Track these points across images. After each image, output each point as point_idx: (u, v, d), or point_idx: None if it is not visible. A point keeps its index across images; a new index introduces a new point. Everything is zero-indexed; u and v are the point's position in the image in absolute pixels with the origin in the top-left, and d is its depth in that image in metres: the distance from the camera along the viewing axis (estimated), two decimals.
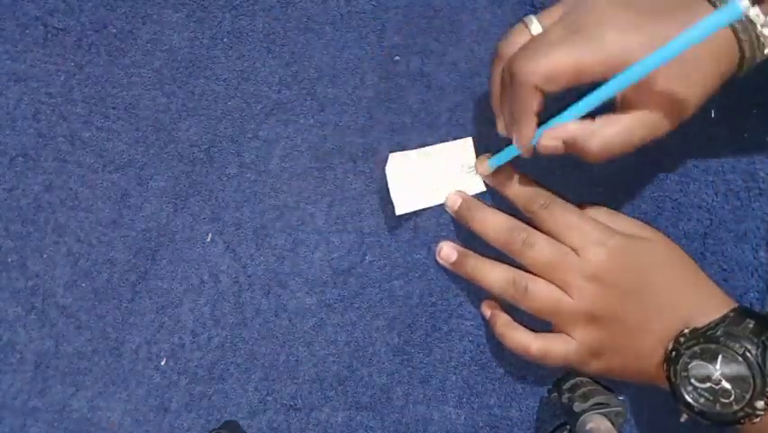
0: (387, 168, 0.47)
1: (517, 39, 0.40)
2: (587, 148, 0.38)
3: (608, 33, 0.36)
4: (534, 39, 0.39)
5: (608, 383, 0.45)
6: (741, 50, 0.37)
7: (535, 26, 0.40)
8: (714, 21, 0.31)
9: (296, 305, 0.49)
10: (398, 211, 0.47)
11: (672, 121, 0.38)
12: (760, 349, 0.38)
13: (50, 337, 0.48)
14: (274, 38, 0.49)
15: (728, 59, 0.37)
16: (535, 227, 0.44)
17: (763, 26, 0.36)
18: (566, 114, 0.39)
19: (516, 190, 0.45)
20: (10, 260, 0.49)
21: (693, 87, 0.37)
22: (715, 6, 0.36)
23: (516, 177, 0.46)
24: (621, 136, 0.38)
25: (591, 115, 0.39)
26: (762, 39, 0.37)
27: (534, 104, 0.38)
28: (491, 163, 0.46)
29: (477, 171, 0.47)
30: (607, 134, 0.38)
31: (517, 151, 0.42)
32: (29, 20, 0.49)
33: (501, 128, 0.44)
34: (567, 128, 0.39)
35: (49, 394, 0.48)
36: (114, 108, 0.49)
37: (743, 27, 0.36)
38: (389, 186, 0.47)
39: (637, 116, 0.38)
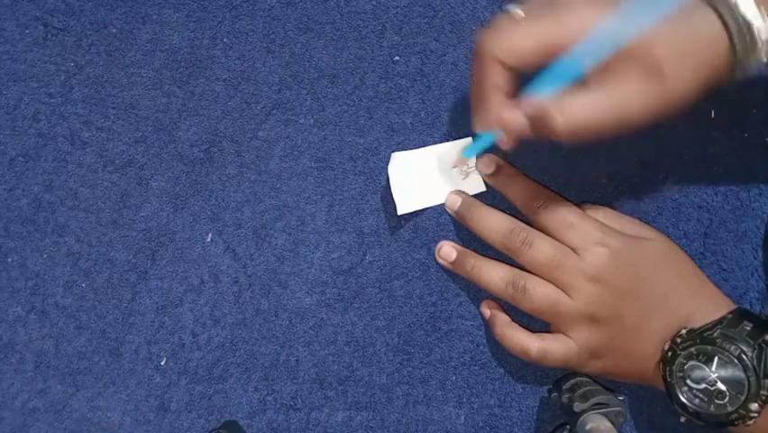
0: (389, 167, 0.47)
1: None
2: (552, 124, 0.35)
3: (577, 7, 0.34)
4: (504, 18, 0.36)
5: (607, 383, 0.45)
6: (732, 46, 0.35)
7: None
8: None
9: (296, 305, 0.49)
10: (400, 211, 0.47)
11: (647, 102, 0.34)
12: (756, 352, 0.38)
13: (50, 337, 0.48)
14: (274, 38, 0.49)
15: (720, 55, 0.35)
16: (536, 227, 0.44)
17: (760, 30, 0.35)
18: (530, 88, 0.36)
19: (517, 190, 0.45)
20: (10, 260, 0.49)
21: (677, 71, 0.34)
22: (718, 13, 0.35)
23: (517, 176, 0.46)
24: (589, 111, 0.34)
25: None
26: (759, 44, 0.35)
27: (496, 79, 0.35)
28: (466, 154, 0.46)
29: (460, 169, 0.47)
30: (574, 108, 0.34)
31: (491, 138, 0.39)
32: (29, 20, 0.49)
33: (476, 124, 0.40)
34: (530, 102, 0.35)
35: (49, 394, 0.48)
36: (114, 108, 0.49)
37: (737, 29, 0.35)
38: (392, 185, 0.47)
39: (608, 90, 0.34)
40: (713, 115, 0.47)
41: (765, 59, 0.36)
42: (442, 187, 0.47)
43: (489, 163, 0.46)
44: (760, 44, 0.35)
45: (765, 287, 0.46)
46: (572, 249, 0.42)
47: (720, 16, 0.35)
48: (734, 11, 0.35)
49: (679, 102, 0.35)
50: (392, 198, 0.47)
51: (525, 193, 0.45)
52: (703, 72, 0.35)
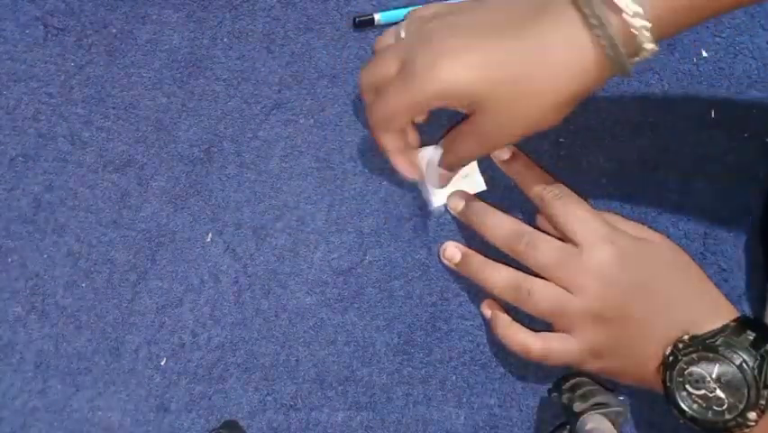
0: (419, 161, 0.46)
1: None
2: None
3: (441, 73, 0.37)
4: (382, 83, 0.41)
5: (607, 383, 0.46)
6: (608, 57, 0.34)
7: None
8: None
9: (296, 305, 0.49)
10: (436, 204, 0.47)
11: (523, 130, 0.38)
12: (758, 361, 0.38)
13: (50, 337, 0.48)
14: (274, 38, 0.49)
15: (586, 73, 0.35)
16: (544, 219, 0.44)
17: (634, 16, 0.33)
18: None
19: (530, 178, 0.45)
20: (10, 260, 0.49)
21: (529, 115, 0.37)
22: (582, 14, 0.34)
23: (531, 165, 0.46)
24: (465, 148, 0.42)
25: None
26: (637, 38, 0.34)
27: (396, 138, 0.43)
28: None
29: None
30: (459, 147, 0.42)
31: None
32: (29, 20, 0.49)
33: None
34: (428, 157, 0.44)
35: (49, 394, 0.48)
36: (114, 108, 0.49)
37: (602, 32, 0.34)
38: (426, 179, 0.46)
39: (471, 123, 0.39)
40: (713, 115, 0.47)
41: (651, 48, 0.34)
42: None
43: (505, 149, 0.46)
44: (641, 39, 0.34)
45: (765, 287, 0.46)
46: (580, 243, 0.42)
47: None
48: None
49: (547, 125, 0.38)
50: (420, 193, 0.47)
51: (539, 181, 0.45)
52: (571, 95, 0.36)
